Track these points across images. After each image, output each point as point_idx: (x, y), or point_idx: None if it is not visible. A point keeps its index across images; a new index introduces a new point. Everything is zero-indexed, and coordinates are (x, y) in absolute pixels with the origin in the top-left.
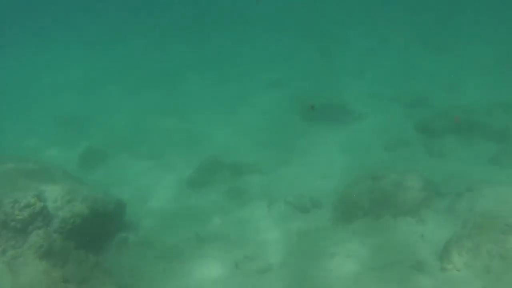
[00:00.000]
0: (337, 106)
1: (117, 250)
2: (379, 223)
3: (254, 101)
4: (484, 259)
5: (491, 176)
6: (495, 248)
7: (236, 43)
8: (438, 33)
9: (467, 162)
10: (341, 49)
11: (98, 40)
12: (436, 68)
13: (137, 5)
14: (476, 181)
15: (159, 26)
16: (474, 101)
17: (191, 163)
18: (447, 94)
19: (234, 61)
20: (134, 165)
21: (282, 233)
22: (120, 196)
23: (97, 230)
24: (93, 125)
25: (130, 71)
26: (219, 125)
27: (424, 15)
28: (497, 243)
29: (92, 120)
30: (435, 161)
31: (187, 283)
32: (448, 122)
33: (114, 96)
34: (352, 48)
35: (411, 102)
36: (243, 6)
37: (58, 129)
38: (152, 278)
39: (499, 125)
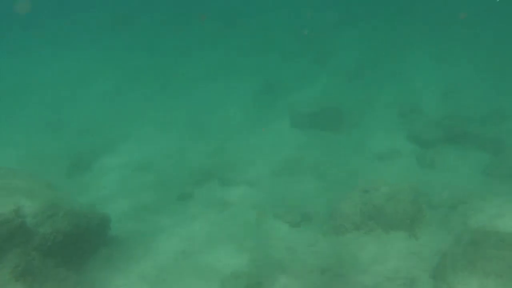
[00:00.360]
0: (329, 113)
1: (100, 267)
2: (371, 237)
3: (244, 107)
4: (480, 277)
5: (484, 187)
6: (490, 266)
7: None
8: (433, 40)
9: (460, 173)
10: (334, 55)
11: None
12: (431, 76)
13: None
14: (469, 193)
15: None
16: (467, 110)
17: (178, 173)
18: (440, 102)
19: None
20: (120, 174)
21: (271, 249)
22: (103, 207)
23: (79, 247)
24: (81, 130)
25: (120, 69)
26: (209, 133)
27: (419, 21)
28: (492, 260)
29: (81, 125)
30: (428, 172)
31: None
32: (441, 131)
33: (103, 97)
34: (344, 53)
35: (404, 111)
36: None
37: (45, 135)
38: None
39: (493, 135)
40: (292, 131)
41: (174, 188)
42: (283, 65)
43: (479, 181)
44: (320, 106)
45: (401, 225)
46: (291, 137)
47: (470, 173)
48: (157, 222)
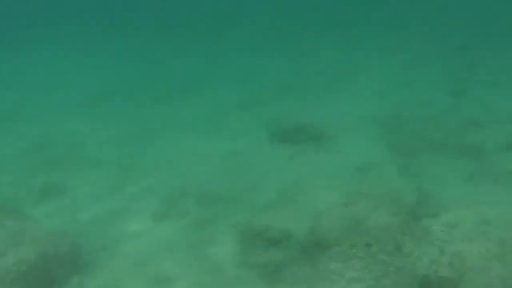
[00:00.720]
0: (305, 127)
1: None
2: (353, 253)
3: (222, 122)
4: None
5: (467, 195)
6: (480, 278)
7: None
8: (411, 48)
9: (442, 182)
10: (310, 64)
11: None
12: (409, 84)
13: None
14: (453, 201)
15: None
16: (447, 116)
17: (155, 194)
18: (419, 110)
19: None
20: (95, 196)
21: (250, 269)
22: (77, 232)
23: (46, 277)
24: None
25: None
26: (186, 150)
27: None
28: (481, 272)
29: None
30: (409, 182)
31: None
32: (422, 140)
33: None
34: (321, 63)
35: (383, 120)
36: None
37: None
38: None
39: (473, 141)
40: (270, 145)
41: (149, 209)
42: (257, 76)
43: (461, 188)
44: (295, 120)
45: (383, 238)
46: (269, 152)
47: (453, 182)
48: (133, 247)
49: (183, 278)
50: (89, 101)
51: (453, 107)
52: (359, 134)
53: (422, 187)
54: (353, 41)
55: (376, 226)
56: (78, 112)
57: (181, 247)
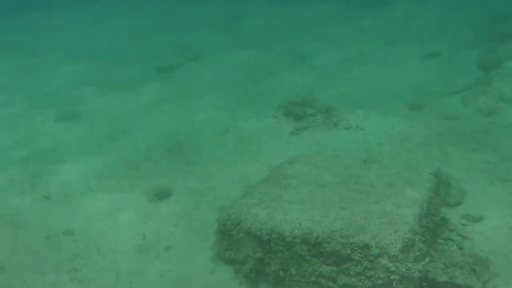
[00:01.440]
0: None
1: None
2: (347, 254)
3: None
4: None
5: (494, 182)
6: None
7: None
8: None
9: (463, 167)
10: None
11: None
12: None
13: None
14: (477, 189)
15: None
16: (475, 91)
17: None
18: (445, 85)
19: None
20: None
21: (227, 266)
22: None
23: None
24: None
25: None
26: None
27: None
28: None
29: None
30: (423, 166)
31: None
32: (443, 118)
33: None
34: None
35: (402, 96)
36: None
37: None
38: None
39: (503, 120)
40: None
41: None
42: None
43: (488, 175)
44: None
45: (387, 237)
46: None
47: (478, 166)
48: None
49: (149, 273)
50: None
51: (482, 82)
52: (374, 110)
53: (439, 173)
54: (379, 16)
55: (378, 221)
56: None
57: (152, 237)
